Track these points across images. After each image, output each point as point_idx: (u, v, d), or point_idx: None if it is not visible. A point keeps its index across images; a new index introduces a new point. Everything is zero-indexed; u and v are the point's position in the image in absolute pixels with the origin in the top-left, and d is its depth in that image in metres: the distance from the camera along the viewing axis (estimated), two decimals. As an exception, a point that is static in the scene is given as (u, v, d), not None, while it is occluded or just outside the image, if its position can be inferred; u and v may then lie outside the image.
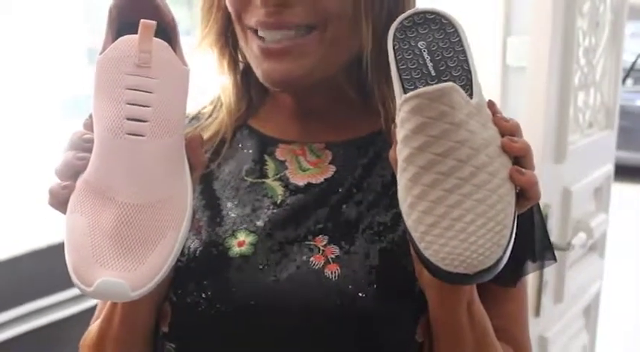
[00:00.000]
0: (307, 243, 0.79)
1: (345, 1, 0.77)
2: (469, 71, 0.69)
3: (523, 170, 0.66)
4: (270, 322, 0.75)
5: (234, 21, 0.82)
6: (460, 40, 0.70)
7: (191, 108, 0.90)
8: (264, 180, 0.84)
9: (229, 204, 0.83)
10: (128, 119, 0.64)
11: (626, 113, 7.32)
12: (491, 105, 0.70)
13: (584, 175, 1.86)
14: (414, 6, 0.82)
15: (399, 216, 0.69)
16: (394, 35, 0.71)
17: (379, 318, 0.75)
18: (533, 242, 0.87)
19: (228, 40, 0.87)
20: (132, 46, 0.65)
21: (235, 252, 0.78)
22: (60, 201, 0.67)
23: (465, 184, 0.63)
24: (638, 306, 4.15)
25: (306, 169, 0.85)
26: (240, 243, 0.79)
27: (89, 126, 0.68)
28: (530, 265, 0.86)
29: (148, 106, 0.65)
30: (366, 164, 0.84)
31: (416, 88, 0.67)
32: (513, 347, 0.85)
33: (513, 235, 0.63)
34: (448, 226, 0.62)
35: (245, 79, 0.89)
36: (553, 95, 1.65)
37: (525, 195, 0.66)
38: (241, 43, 0.83)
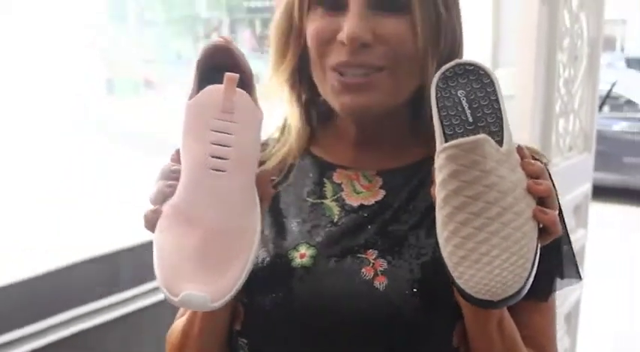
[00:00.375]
0: (359, 256, 0.84)
1: (414, 45, 0.83)
2: (502, 119, 0.74)
3: (546, 210, 0.71)
4: (325, 325, 0.81)
5: (313, 60, 0.87)
6: (495, 90, 0.75)
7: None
8: (323, 200, 0.91)
9: (292, 222, 0.89)
10: (212, 156, 0.72)
11: (603, 138, 7.50)
12: (519, 150, 0.75)
13: (564, 194, 1.94)
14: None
15: (433, 237, 0.77)
16: (437, 84, 0.76)
17: (420, 326, 0.81)
18: (561, 261, 0.91)
19: (297, 77, 0.92)
20: (218, 94, 0.74)
21: (297, 263, 0.85)
22: (152, 223, 0.74)
23: (493, 223, 0.69)
24: (616, 313, 4.23)
25: (360, 192, 0.91)
26: (302, 255, 0.85)
27: (176, 159, 0.76)
28: (559, 282, 0.90)
29: (230, 146, 0.73)
30: (411, 189, 0.89)
31: (455, 133, 0.73)
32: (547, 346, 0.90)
33: (535, 266, 0.69)
34: (477, 259, 0.69)
35: (308, 110, 0.95)
36: (537, 121, 1.74)
37: (547, 230, 0.71)
38: (316, 78, 0.88)
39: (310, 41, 0.86)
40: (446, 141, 0.73)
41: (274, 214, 0.90)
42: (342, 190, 0.91)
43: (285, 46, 0.90)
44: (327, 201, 0.90)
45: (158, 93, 11.70)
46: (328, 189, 0.91)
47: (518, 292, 0.68)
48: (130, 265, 1.69)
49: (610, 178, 7.46)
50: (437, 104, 0.75)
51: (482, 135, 0.71)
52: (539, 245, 0.71)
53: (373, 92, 0.84)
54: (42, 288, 1.53)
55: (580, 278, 0.93)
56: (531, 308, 0.87)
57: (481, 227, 0.69)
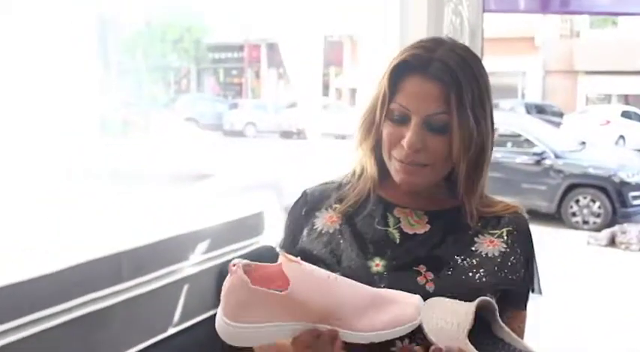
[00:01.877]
0: (415, 268, 1.03)
1: (446, 153, 1.03)
2: None
3: None
4: None
5: (384, 146, 1.06)
6: None
7: (335, 177, 1.18)
8: (387, 228, 1.08)
9: (368, 242, 1.06)
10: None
11: (507, 168, 7.98)
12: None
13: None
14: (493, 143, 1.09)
15: (464, 260, 1.02)
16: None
17: None
18: (534, 275, 1.10)
19: (375, 146, 1.09)
20: (288, 260, 0.92)
21: (374, 271, 1.03)
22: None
23: None
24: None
25: (413, 225, 1.08)
26: (377, 264, 1.03)
27: None
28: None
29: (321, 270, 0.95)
30: (446, 226, 1.07)
31: None
32: None
33: None
34: None
35: (378, 164, 1.11)
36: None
37: None
38: (385, 158, 1.07)
39: (385, 138, 1.05)
40: None
41: (355, 236, 1.07)
42: (401, 222, 1.08)
43: (369, 131, 1.09)
44: (390, 229, 1.08)
45: (136, 133, 11.70)
46: (391, 220, 1.09)
47: None
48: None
49: (511, 200, 7.92)
50: None
51: None
52: None
53: (419, 177, 1.05)
54: (54, 281, 1.64)
55: (540, 293, 1.12)
56: (513, 317, 1.06)
57: None
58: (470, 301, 0.96)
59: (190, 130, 15.89)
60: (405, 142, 1.01)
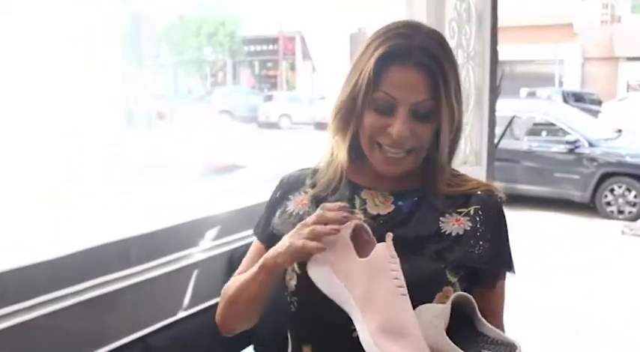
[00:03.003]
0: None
1: (430, 138, 1.05)
2: None
3: None
4: None
5: (364, 135, 1.06)
6: None
7: (311, 163, 1.19)
8: (352, 210, 1.09)
9: None
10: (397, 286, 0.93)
11: (540, 157, 7.85)
12: None
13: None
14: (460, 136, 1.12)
15: (428, 238, 1.03)
16: None
17: (412, 291, 0.95)
18: (509, 255, 1.09)
19: (350, 137, 1.10)
20: (389, 248, 0.95)
21: None
22: (317, 240, 0.95)
23: None
24: (535, 297, 4.39)
25: (378, 205, 1.10)
26: None
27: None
28: (507, 274, 1.09)
29: (400, 279, 0.94)
30: (412, 206, 1.09)
31: None
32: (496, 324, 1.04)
33: None
34: None
35: (350, 150, 1.12)
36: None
37: None
38: (364, 146, 1.08)
39: (367, 127, 1.05)
40: None
41: None
42: (367, 204, 1.11)
43: (347, 121, 1.08)
44: (356, 210, 1.10)
45: (168, 125, 11.87)
46: (357, 202, 1.11)
47: None
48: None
49: (544, 190, 7.82)
50: None
51: None
52: None
53: (402, 166, 1.07)
54: (68, 262, 1.69)
55: (514, 272, 1.10)
56: (482, 296, 1.05)
57: None
58: (433, 280, 1.00)
59: (225, 122, 15.99)
60: (394, 132, 1.02)
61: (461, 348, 0.91)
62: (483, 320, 0.97)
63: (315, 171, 1.18)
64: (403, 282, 0.93)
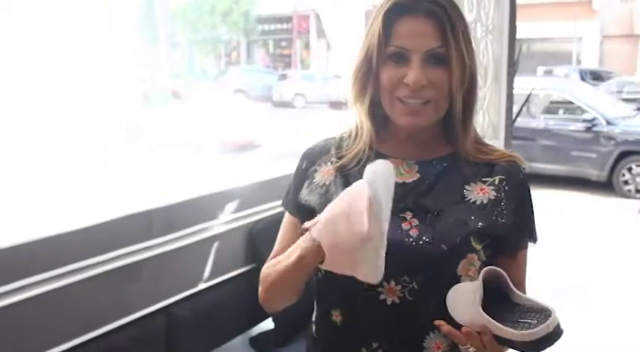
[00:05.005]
0: (401, 215, 1.05)
1: (447, 87, 1.04)
2: None
3: None
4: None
5: (384, 93, 1.07)
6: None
7: (334, 134, 1.20)
8: None
9: None
10: None
11: (558, 135, 7.79)
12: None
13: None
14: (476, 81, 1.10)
15: (453, 206, 1.04)
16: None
17: (435, 258, 1.01)
18: (533, 225, 1.11)
19: (371, 102, 1.11)
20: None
21: None
22: None
23: None
24: (555, 273, 4.37)
25: (402, 173, 1.10)
26: None
27: None
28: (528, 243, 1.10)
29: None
30: (437, 175, 1.10)
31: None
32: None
33: None
34: None
35: (375, 121, 1.13)
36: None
37: None
38: (385, 105, 1.08)
39: (385, 82, 1.06)
40: None
41: (346, 186, 1.05)
42: None
43: (365, 84, 1.09)
44: None
45: (183, 104, 11.92)
46: None
47: None
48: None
49: (561, 168, 7.78)
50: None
51: None
52: None
53: (423, 116, 1.06)
54: (91, 235, 1.73)
55: (535, 242, 1.11)
56: (505, 265, 1.04)
57: None
58: (457, 246, 1.01)
59: (240, 101, 16.03)
60: (409, 80, 1.03)
61: (499, 321, 0.93)
62: (516, 290, 0.98)
63: (340, 140, 1.19)
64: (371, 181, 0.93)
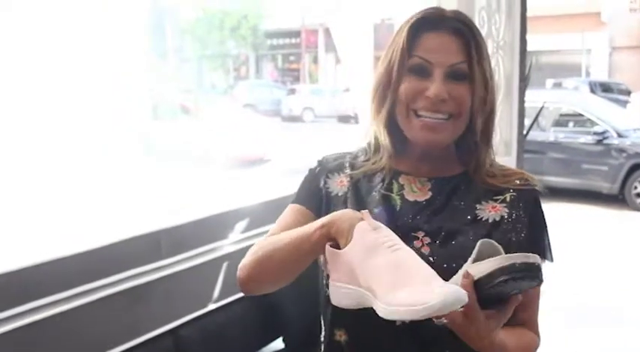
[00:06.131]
0: (413, 234, 1.05)
1: (467, 103, 1.04)
2: None
3: None
4: None
5: (401, 107, 1.06)
6: (537, 284, 0.92)
7: (349, 148, 1.20)
8: (390, 193, 1.11)
9: (371, 205, 1.10)
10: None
11: (568, 148, 7.74)
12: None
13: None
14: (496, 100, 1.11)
15: (465, 225, 1.03)
16: (499, 281, 0.89)
17: (445, 272, 0.95)
18: (548, 243, 1.10)
19: (389, 117, 1.10)
20: (367, 221, 0.93)
21: None
22: None
23: None
24: (568, 292, 4.33)
25: (415, 191, 1.11)
26: None
27: None
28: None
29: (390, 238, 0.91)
30: (449, 194, 1.09)
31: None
32: (533, 331, 1.10)
33: None
34: None
35: (391, 135, 1.12)
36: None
37: None
38: (401, 120, 1.07)
39: (403, 93, 1.06)
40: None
41: (358, 200, 1.12)
42: (404, 189, 1.11)
43: (384, 98, 1.09)
44: (392, 195, 1.11)
45: (192, 118, 11.95)
46: (395, 187, 1.12)
47: None
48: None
49: (572, 182, 7.72)
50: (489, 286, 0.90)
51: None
52: None
53: (439, 133, 1.06)
54: (99, 256, 1.73)
55: (552, 260, 1.10)
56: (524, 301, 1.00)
57: None
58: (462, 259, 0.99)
59: (248, 116, 16.07)
60: (431, 93, 1.03)
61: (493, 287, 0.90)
62: (500, 248, 0.96)
63: (356, 156, 1.18)
64: (395, 238, 0.91)
